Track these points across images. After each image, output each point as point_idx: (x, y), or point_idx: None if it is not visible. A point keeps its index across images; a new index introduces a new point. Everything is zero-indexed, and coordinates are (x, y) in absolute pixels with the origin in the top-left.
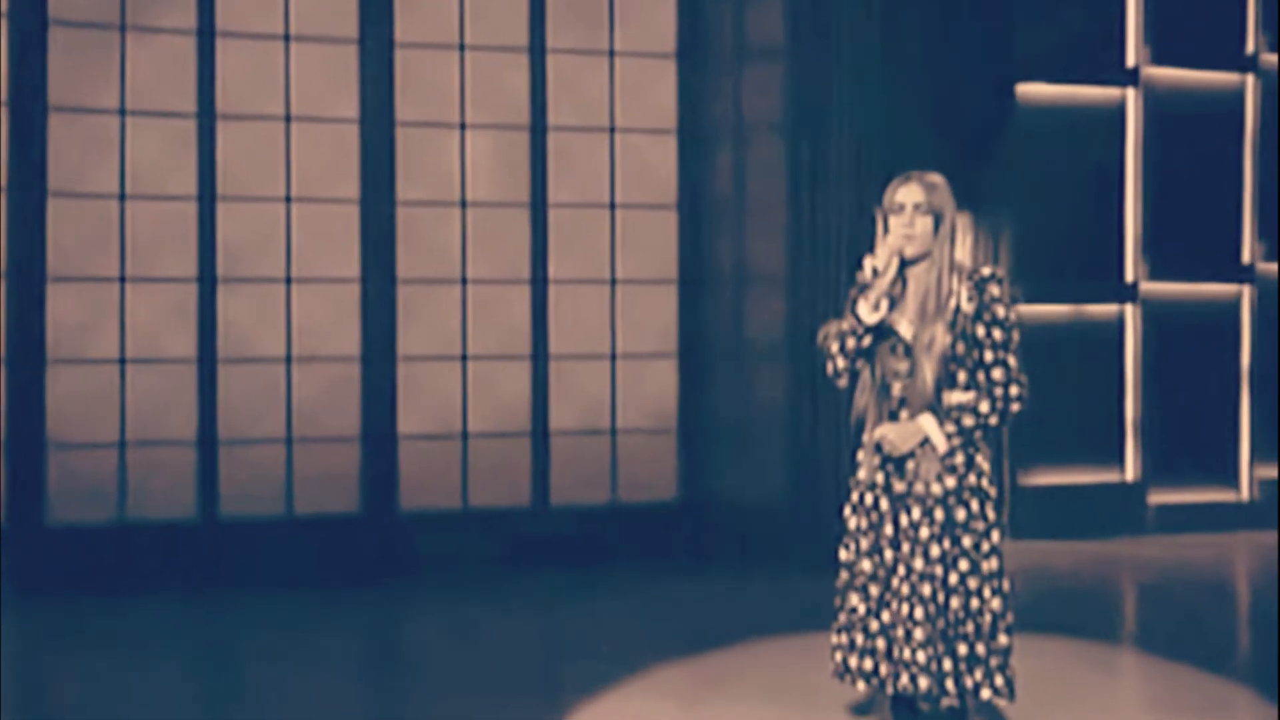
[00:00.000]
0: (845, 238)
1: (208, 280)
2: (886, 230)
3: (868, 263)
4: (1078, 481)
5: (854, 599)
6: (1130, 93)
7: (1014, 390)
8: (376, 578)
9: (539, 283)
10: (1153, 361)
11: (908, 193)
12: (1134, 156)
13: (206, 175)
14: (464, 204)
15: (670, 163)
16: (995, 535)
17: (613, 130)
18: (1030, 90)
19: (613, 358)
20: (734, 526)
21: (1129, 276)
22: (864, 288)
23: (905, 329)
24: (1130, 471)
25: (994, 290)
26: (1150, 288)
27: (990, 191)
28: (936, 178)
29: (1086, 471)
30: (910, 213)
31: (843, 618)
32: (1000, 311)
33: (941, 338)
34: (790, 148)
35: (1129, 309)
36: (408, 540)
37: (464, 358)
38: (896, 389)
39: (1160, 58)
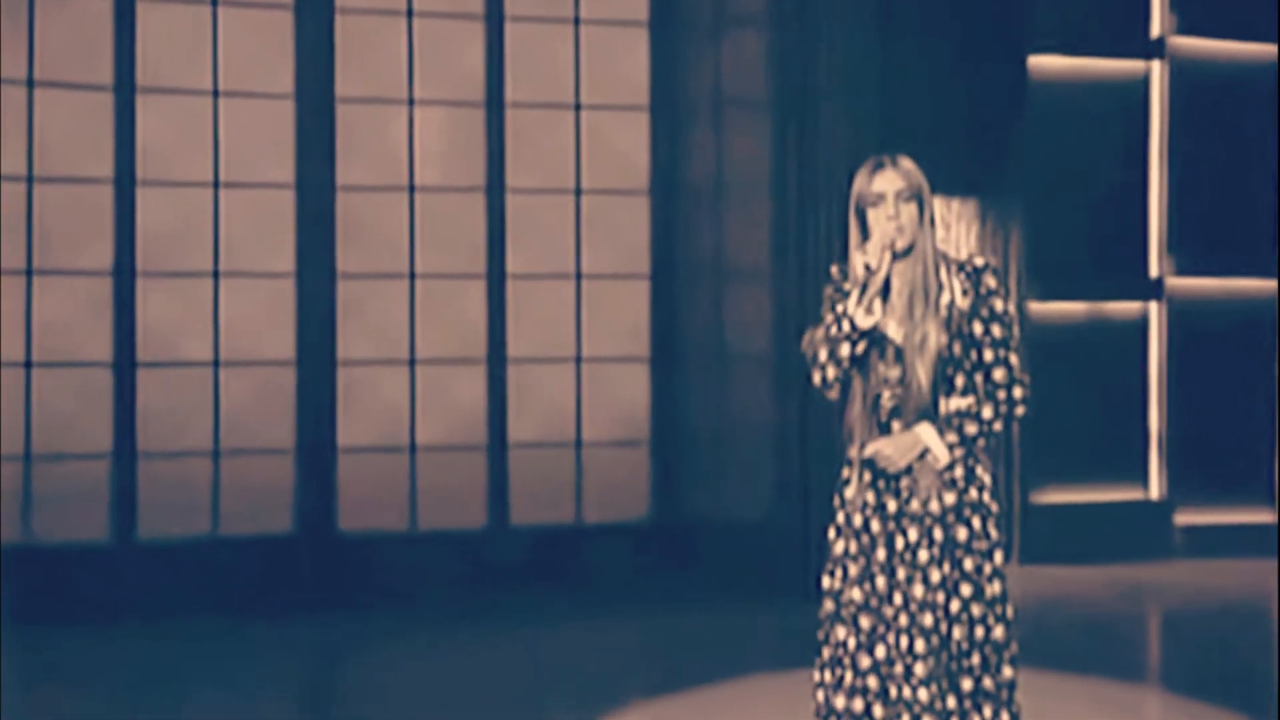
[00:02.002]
0: (836, 227)
1: (126, 274)
2: (864, 227)
3: (857, 259)
4: (1095, 500)
5: (840, 632)
6: (1155, 65)
7: (1017, 392)
8: (313, 607)
9: (496, 277)
10: (1179, 366)
11: (886, 180)
12: (1159, 137)
13: (125, 156)
14: (412, 189)
15: (642, 143)
16: (998, 556)
17: (578, 107)
18: (1044, 63)
19: (578, 361)
20: (712, 549)
21: (1153, 271)
22: (839, 287)
23: (895, 331)
24: (1154, 489)
25: (990, 282)
26: (1177, 283)
27: (999, 176)
28: (909, 161)
29: (1105, 489)
30: (893, 201)
31: (827, 653)
32: (998, 305)
33: (935, 338)
34: (775, 127)
35: (1153, 307)
36: (348, 565)
37: (412, 361)
38: (887, 398)
39: (1188, 27)
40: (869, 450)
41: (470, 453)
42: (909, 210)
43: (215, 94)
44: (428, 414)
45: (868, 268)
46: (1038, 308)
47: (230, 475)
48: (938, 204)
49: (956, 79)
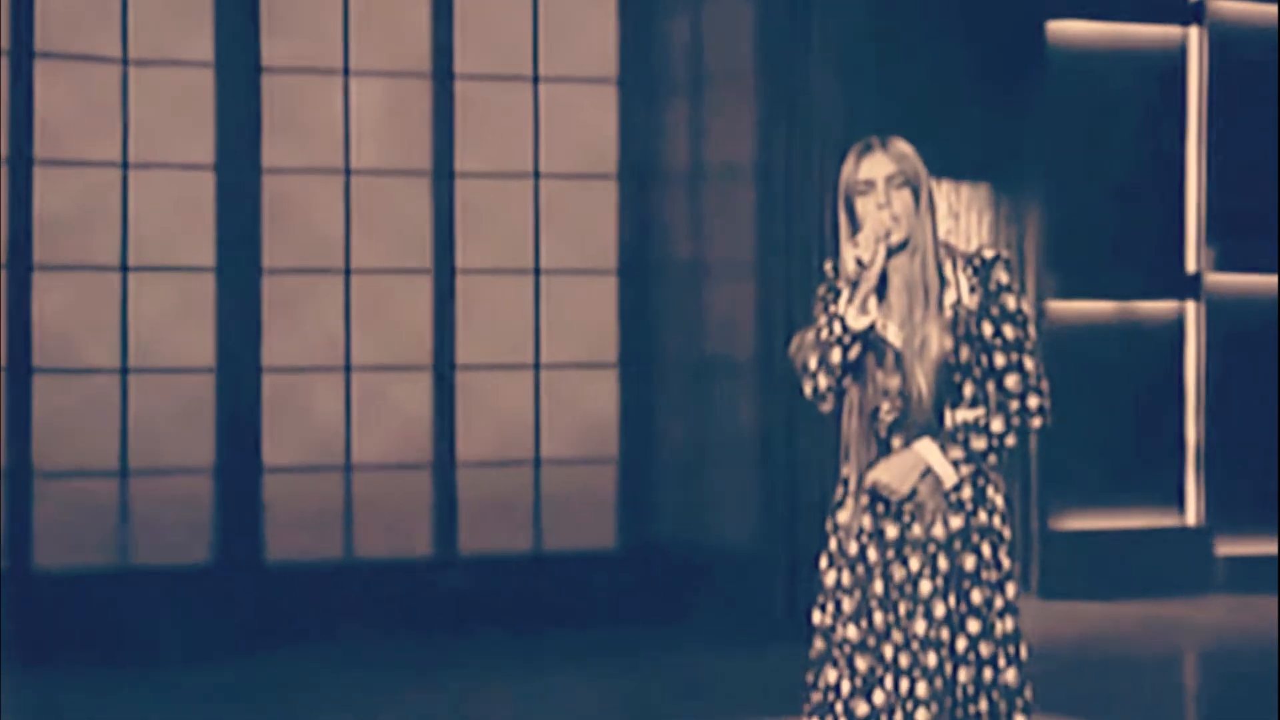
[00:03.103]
0: (830, 217)
1: (19, 266)
2: (852, 218)
3: (848, 254)
4: (1123, 526)
5: (832, 674)
6: (1193, 32)
7: (1033, 402)
8: (235, 645)
9: (443, 273)
10: (1220, 373)
11: (874, 164)
12: (1197, 113)
13: (19, 130)
14: (348, 172)
15: (610, 121)
16: (1010, 589)
17: (536, 79)
18: (1065, 29)
19: (536, 368)
20: (689, 581)
21: (1190, 265)
22: (832, 285)
23: (894, 334)
24: (1191, 514)
25: (1001, 276)
26: (1217, 280)
27: (1014, 158)
28: (902, 143)
29: (1135, 513)
30: (884, 189)
31: (817, 697)
32: (1010, 303)
33: (938, 341)
34: (762, 103)
35: (1190, 306)
36: (276, 598)
37: (347, 368)
38: (886, 410)
39: None
40: (865, 482)
41: (414, 471)
42: (902, 198)
43: (124, 61)
44: (365, 428)
45: (860, 263)
46: (1057, 307)
47: (139, 498)
48: (945, 190)
49: (965, 48)
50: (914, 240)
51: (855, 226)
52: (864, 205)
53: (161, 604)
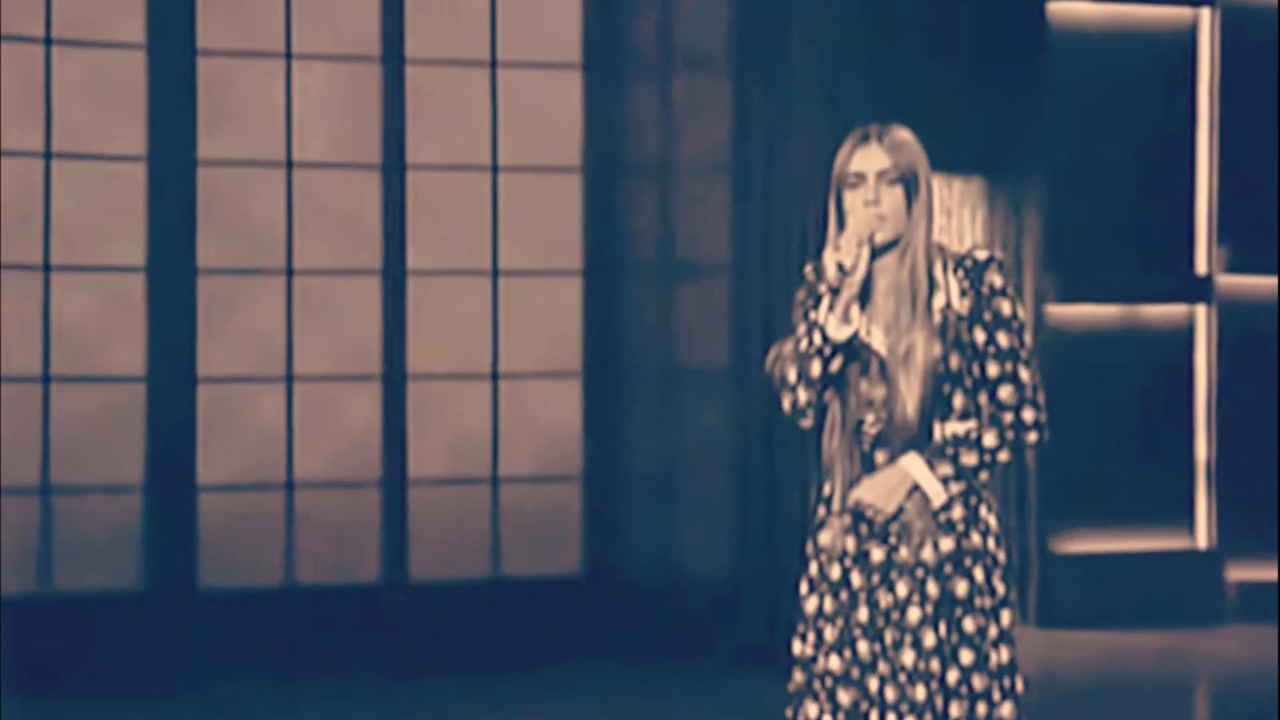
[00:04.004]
0: (811, 213)
1: None
2: (840, 210)
3: (830, 258)
4: (1129, 549)
5: (813, 709)
6: (1204, 14)
7: (1029, 414)
8: (167, 679)
9: (393, 274)
10: (1233, 382)
11: (868, 157)
12: (1208, 101)
13: None
14: (290, 164)
15: (574, 109)
16: (1006, 616)
17: (495, 64)
18: (1067, 10)
19: (494, 377)
20: (659, 608)
21: (1201, 267)
22: (813, 290)
23: (879, 340)
24: (1202, 535)
25: (994, 279)
26: (1229, 282)
27: (1011, 150)
28: (903, 133)
29: (1141, 535)
30: (874, 183)
31: None
32: (1005, 308)
33: (925, 349)
34: (737, 90)
35: (1200, 311)
36: (211, 627)
37: (289, 378)
38: (870, 423)
39: None
40: (849, 500)
41: (361, 490)
42: (893, 196)
43: (47, 41)
44: (309, 442)
45: (841, 267)
46: (1057, 311)
47: (64, 517)
48: (936, 185)
49: (959, 31)
50: (905, 239)
51: (844, 223)
52: (852, 199)
53: (85, 632)
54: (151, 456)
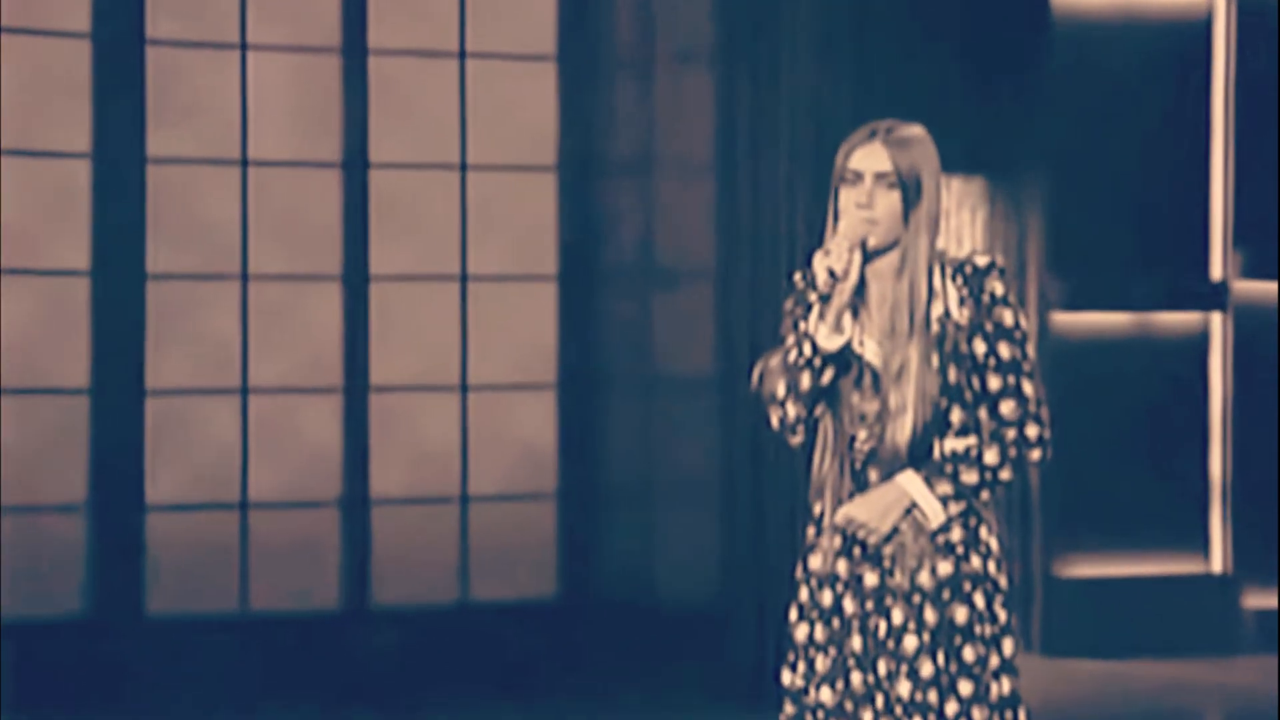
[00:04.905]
0: (801, 215)
1: None
2: (837, 209)
3: (820, 264)
4: (1139, 573)
5: None
6: (1220, 1)
7: (1032, 430)
8: (112, 711)
9: (355, 279)
10: (1249, 395)
11: (869, 156)
12: (1224, 94)
13: None
14: (245, 162)
15: (548, 104)
16: (1008, 645)
17: (464, 55)
18: None
19: (463, 389)
20: (639, 636)
21: (1215, 272)
22: (802, 298)
23: (872, 352)
24: (1217, 559)
25: (995, 287)
26: (1246, 288)
27: (1012, 147)
28: (913, 129)
29: (1152, 559)
30: (870, 185)
31: None
32: (1007, 318)
33: (920, 360)
34: (722, 84)
35: (1215, 319)
36: (158, 656)
37: (244, 390)
38: (863, 439)
39: None
40: (838, 518)
41: (320, 510)
42: (888, 200)
43: None
44: (264, 458)
45: (832, 274)
46: (1063, 319)
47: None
48: (944, 189)
49: (957, 21)
50: (903, 247)
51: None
52: (846, 198)
53: (25, 661)
54: (96, 474)
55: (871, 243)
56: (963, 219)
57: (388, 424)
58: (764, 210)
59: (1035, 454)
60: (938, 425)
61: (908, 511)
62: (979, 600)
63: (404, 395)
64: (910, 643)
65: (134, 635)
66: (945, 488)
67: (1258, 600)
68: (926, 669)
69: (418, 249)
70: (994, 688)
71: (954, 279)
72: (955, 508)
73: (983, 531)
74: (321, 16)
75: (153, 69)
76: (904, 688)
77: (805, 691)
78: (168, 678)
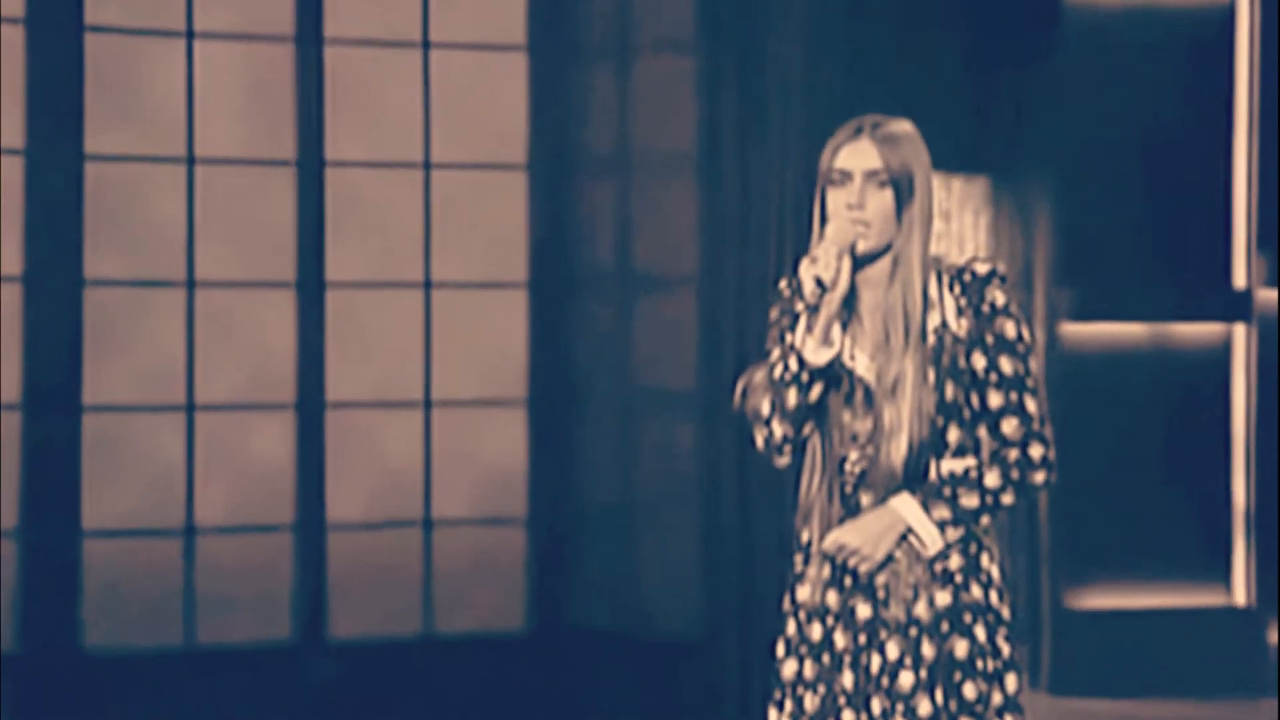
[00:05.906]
0: (790, 217)
1: None
2: (824, 213)
3: (806, 272)
4: (1156, 605)
5: None
6: None
7: (1036, 450)
8: None
9: (310, 286)
10: (1275, 413)
11: (857, 153)
12: (1247, 89)
13: None
14: (191, 160)
15: (518, 98)
16: (1012, 681)
17: (426, 45)
18: None
19: (426, 405)
20: (615, 671)
21: (1238, 279)
22: (789, 309)
23: (864, 366)
24: (1240, 591)
25: (997, 296)
26: (1271, 297)
27: (1018, 145)
28: (902, 124)
29: (1170, 590)
30: (860, 184)
31: None
32: (1009, 330)
33: (916, 375)
34: (705, 75)
35: (1238, 330)
36: (98, 694)
37: (190, 406)
38: (854, 460)
39: None
40: (827, 543)
41: (272, 534)
42: (880, 200)
43: None
44: (212, 479)
45: (819, 283)
46: (1072, 330)
47: None
48: (937, 187)
49: (959, 10)
50: (895, 251)
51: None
52: (834, 200)
53: None
54: (28, 497)
55: (862, 247)
56: (964, 222)
57: (345, 443)
58: (751, 210)
59: (1039, 476)
60: (934, 445)
61: (903, 538)
62: (980, 633)
63: (363, 412)
64: (906, 679)
65: (70, 671)
66: (943, 512)
67: None
68: (924, 707)
69: (378, 254)
70: None
71: (952, 288)
72: (954, 534)
73: (984, 559)
74: (274, 3)
75: (91, 57)
76: None
77: None
78: (107, 718)
